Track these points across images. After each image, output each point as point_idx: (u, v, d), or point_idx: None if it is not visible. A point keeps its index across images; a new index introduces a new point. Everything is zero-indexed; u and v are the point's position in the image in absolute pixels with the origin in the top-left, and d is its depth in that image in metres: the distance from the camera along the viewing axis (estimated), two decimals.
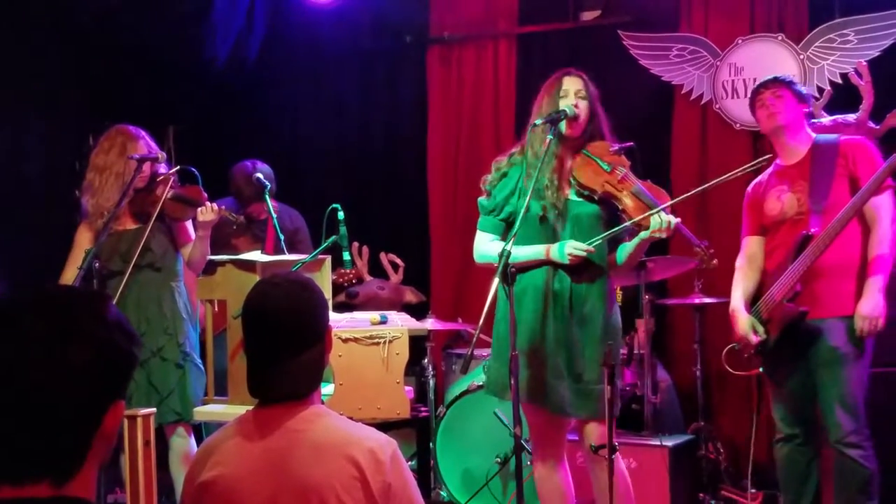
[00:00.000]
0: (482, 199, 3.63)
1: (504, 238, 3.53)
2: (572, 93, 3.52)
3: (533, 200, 3.41)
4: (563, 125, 3.47)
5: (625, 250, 3.51)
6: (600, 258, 3.47)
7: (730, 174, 3.50)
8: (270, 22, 6.14)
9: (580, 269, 3.43)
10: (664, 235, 3.31)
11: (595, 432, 3.43)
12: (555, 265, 3.43)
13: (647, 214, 3.32)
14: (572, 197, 3.51)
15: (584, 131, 3.53)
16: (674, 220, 3.29)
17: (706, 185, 3.63)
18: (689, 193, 3.53)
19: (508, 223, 3.54)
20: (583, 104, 3.51)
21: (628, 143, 3.53)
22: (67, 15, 5.28)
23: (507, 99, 6.07)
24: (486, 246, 3.57)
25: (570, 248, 3.36)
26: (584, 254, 3.36)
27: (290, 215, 5.21)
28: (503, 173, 3.60)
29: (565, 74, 3.57)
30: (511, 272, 3.15)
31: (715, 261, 3.37)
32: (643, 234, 3.35)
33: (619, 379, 3.48)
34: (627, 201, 3.40)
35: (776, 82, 3.88)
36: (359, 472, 1.95)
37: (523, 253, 3.41)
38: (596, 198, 3.47)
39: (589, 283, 3.46)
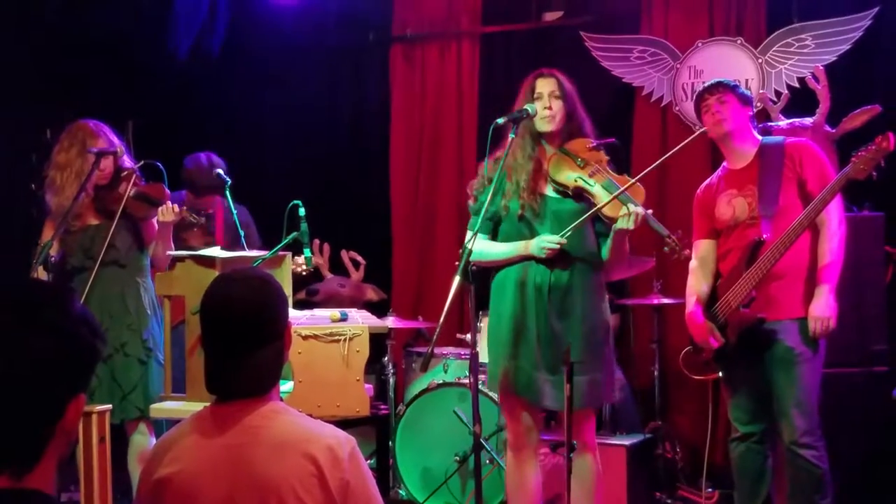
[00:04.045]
0: (469, 203, 3.71)
1: (493, 236, 3.64)
2: (546, 94, 3.59)
3: (513, 200, 3.54)
4: (540, 124, 3.56)
5: (606, 245, 3.58)
6: (580, 251, 3.53)
7: (666, 155, 3.67)
8: (234, 16, 6.11)
9: (560, 262, 3.50)
10: (632, 226, 3.36)
11: (575, 424, 3.52)
12: (535, 260, 3.51)
13: (605, 203, 3.39)
14: (550, 194, 3.58)
15: (561, 130, 3.59)
16: (641, 210, 3.33)
17: (648, 169, 3.69)
18: (637, 177, 3.54)
19: (495, 222, 3.65)
20: (557, 104, 3.58)
21: (610, 139, 3.59)
22: (27, 6, 5.21)
23: (470, 97, 6.09)
24: (476, 244, 3.58)
25: (544, 241, 3.45)
26: (556, 246, 3.44)
27: (240, 212, 5.17)
28: (488, 177, 3.64)
29: (538, 76, 3.64)
30: (472, 269, 3.17)
31: (687, 251, 3.40)
32: (615, 227, 3.42)
33: (602, 371, 3.56)
34: (598, 195, 3.45)
35: (720, 87, 3.89)
36: (317, 470, 1.94)
37: (502, 250, 3.56)
38: (570, 193, 3.53)
39: (569, 276, 3.52)
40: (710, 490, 4.64)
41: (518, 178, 3.55)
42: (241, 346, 2.00)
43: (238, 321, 2.00)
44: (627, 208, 3.35)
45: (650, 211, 3.40)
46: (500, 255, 3.57)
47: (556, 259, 3.49)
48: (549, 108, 3.56)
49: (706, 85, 3.98)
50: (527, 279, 3.53)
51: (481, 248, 3.55)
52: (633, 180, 3.50)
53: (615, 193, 3.42)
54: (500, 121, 3.50)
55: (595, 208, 3.44)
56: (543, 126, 3.57)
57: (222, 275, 2.15)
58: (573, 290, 3.52)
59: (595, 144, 3.51)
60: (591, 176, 3.47)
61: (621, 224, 3.36)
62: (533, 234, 3.53)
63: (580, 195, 3.53)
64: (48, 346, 1.36)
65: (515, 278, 3.56)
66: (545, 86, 3.59)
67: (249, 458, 1.95)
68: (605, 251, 3.59)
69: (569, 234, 3.45)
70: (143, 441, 4.06)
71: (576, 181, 3.49)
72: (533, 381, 3.50)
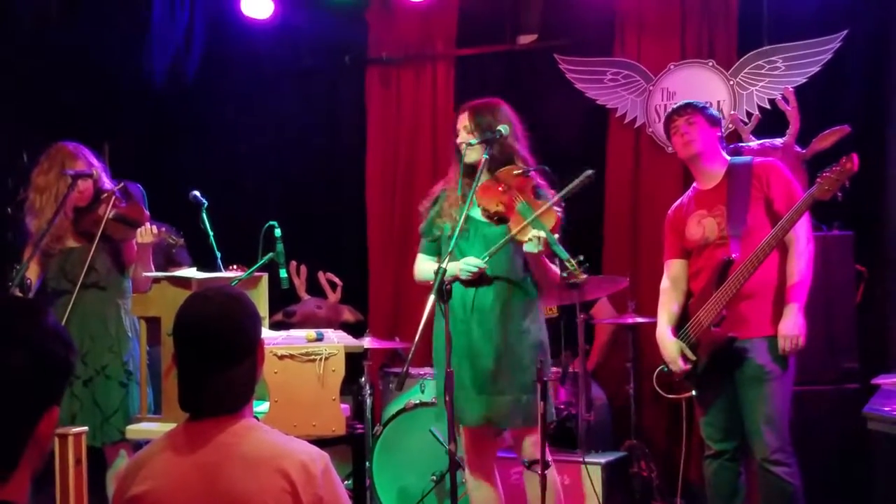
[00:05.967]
0: (421, 225, 3.80)
1: (439, 258, 3.69)
2: (460, 129, 3.71)
3: (446, 223, 3.65)
4: (465, 155, 3.60)
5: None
6: (504, 273, 3.59)
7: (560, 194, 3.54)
8: (209, 39, 6.13)
9: (484, 283, 3.58)
10: (535, 250, 3.41)
11: (525, 442, 3.57)
12: (462, 281, 3.58)
13: (519, 228, 3.44)
14: (479, 218, 3.64)
15: (486, 159, 3.55)
16: (542, 234, 3.37)
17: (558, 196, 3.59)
18: (547, 205, 3.53)
19: (438, 243, 3.74)
20: (468, 139, 3.66)
21: (537, 167, 3.64)
22: (2, 28, 5.21)
23: (445, 120, 6.10)
24: (421, 265, 3.80)
25: (465, 264, 3.53)
26: (476, 269, 3.50)
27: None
28: (434, 198, 3.78)
29: (459, 112, 3.74)
30: (447, 289, 3.20)
31: (584, 276, 3.34)
32: (524, 250, 3.47)
33: (530, 392, 3.57)
34: (514, 221, 3.52)
35: (689, 108, 3.93)
36: (290, 486, 1.95)
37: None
38: (494, 218, 3.60)
39: (493, 297, 3.59)
40: None
41: (451, 204, 3.67)
42: (214, 364, 2.01)
43: (210, 338, 2.01)
44: (532, 233, 3.39)
45: (557, 235, 3.42)
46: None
47: (481, 280, 3.58)
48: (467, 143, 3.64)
49: (675, 107, 4.02)
50: (454, 299, 3.54)
51: (427, 268, 3.71)
52: (548, 205, 3.49)
53: (528, 220, 3.46)
54: (474, 142, 3.55)
55: (510, 234, 3.49)
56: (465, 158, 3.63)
57: (195, 293, 2.17)
58: (496, 312, 3.58)
59: (521, 171, 3.56)
60: (510, 202, 3.51)
61: (527, 248, 3.42)
62: (463, 255, 3.60)
63: (502, 220, 3.60)
64: (21, 359, 1.37)
65: (457, 299, 3.59)
66: (460, 121, 3.72)
67: (222, 475, 1.96)
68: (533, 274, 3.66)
69: (487, 258, 3.51)
70: (123, 465, 4.03)
71: (497, 206, 3.56)
72: (462, 402, 3.54)
